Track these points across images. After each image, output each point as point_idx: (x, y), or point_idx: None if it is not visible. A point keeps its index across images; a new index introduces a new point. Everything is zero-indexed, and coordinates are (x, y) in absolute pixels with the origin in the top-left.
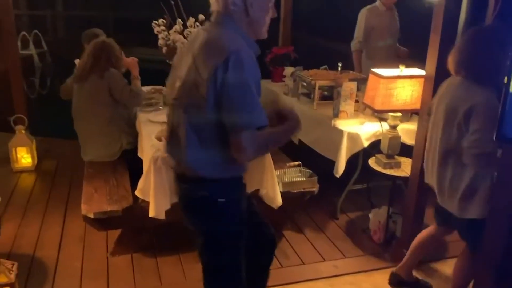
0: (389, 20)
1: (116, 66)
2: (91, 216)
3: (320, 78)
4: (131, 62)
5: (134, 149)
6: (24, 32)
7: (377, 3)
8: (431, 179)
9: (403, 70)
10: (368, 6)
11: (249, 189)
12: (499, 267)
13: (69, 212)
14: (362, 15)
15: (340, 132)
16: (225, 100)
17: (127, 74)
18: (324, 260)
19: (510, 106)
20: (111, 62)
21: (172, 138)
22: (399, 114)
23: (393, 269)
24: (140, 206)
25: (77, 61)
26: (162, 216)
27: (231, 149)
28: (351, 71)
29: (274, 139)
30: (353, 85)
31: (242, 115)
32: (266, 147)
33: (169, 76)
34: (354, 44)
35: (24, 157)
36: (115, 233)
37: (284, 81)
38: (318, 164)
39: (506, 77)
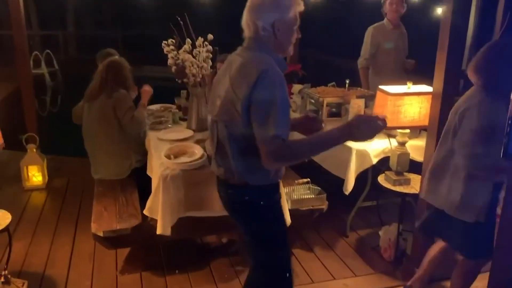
0: (396, 37)
1: (125, 86)
2: (101, 234)
3: (328, 95)
4: (143, 90)
5: (143, 167)
6: (36, 52)
7: (384, 21)
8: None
9: (410, 87)
10: (375, 24)
11: None
12: None
13: (79, 230)
14: (369, 33)
15: (349, 149)
16: (254, 114)
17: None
18: (334, 278)
19: None
20: (119, 82)
21: (218, 150)
22: (407, 130)
23: (407, 283)
24: (149, 225)
25: None
26: (168, 233)
27: (261, 154)
28: (359, 88)
29: (304, 149)
30: (361, 102)
31: (268, 128)
32: (294, 157)
33: (210, 96)
34: (360, 62)
35: (35, 176)
36: (124, 252)
37: (292, 98)
38: (327, 181)
39: None
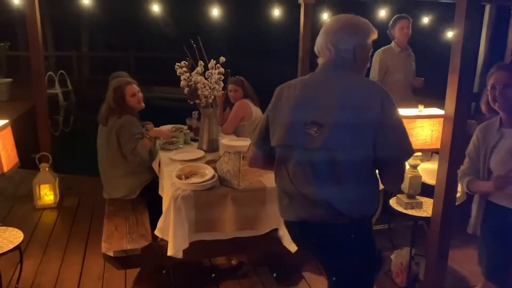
0: (403, 60)
1: (127, 106)
2: (111, 254)
3: None
4: (159, 130)
5: (154, 187)
6: (50, 72)
7: (392, 44)
8: None
9: (422, 110)
10: (383, 48)
11: (267, 229)
12: None
13: (89, 249)
14: (377, 56)
15: None
16: (390, 134)
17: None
18: None
19: None
20: (126, 107)
21: (317, 181)
22: (419, 153)
23: None
24: (159, 245)
25: None
26: (180, 255)
27: (383, 181)
28: None
29: None
30: None
31: (408, 145)
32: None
33: (288, 121)
34: None
35: (47, 194)
36: (133, 272)
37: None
38: None
39: None
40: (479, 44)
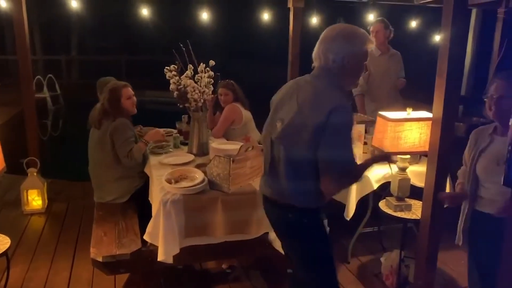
0: (385, 62)
1: (122, 109)
2: (100, 259)
3: None
4: (155, 132)
5: (144, 192)
6: (39, 76)
7: (373, 48)
8: None
9: (410, 113)
10: None
11: (258, 233)
12: None
13: (78, 255)
14: None
15: None
16: (330, 140)
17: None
18: None
19: None
20: (121, 110)
21: (271, 170)
22: (408, 156)
23: None
24: (148, 250)
25: None
26: (170, 261)
27: (320, 184)
28: (358, 114)
29: (356, 174)
30: (361, 128)
31: (346, 153)
32: (352, 180)
33: (269, 117)
34: (355, 89)
35: (35, 200)
36: (123, 278)
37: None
38: (328, 206)
39: (511, 120)
40: (466, 48)
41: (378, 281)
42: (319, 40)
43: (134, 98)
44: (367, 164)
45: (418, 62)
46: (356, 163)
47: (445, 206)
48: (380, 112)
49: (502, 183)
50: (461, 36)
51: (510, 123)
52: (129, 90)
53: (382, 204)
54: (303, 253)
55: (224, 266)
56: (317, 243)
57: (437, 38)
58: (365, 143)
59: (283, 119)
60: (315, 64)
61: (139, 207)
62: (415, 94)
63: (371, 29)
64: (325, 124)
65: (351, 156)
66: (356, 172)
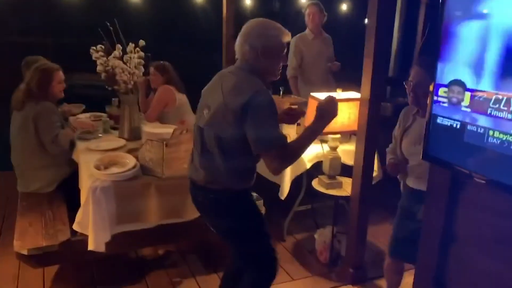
0: (318, 46)
1: (50, 93)
2: (25, 252)
3: None
4: (83, 121)
5: (73, 180)
6: None
7: (306, 31)
8: None
9: (340, 94)
10: (298, 34)
11: (194, 216)
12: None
13: (1, 250)
14: (292, 43)
15: None
16: (252, 127)
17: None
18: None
19: (433, 126)
20: (47, 92)
21: (203, 155)
22: (338, 136)
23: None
24: (78, 240)
25: None
26: (102, 249)
27: (266, 165)
28: (292, 95)
29: (300, 146)
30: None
31: (273, 131)
32: (296, 154)
33: (199, 105)
34: (288, 71)
35: None
36: (52, 270)
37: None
38: (264, 187)
39: (428, 99)
40: (393, 30)
41: (312, 257)
42: (239, 33)
43: (64, 84)
44: (309, 132)
45: (349, 45)
46: (284, 137)
47: (376, 180)
48: (312, 94)
49: (421, 158)
50: (387, 19)
51: (427, 102)
52: (61, 74)
53: (315, 183)
54: (238, 232)
55: (160, 251)
56: (251, 221)
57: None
58: (298, 124)
59: (209, 106)
60: (237, 56)
61: (68, 196)
62: (347, 77)
63: (306, 12)
64: (247, 105)
65: (276, 132)
66: (296, 145)
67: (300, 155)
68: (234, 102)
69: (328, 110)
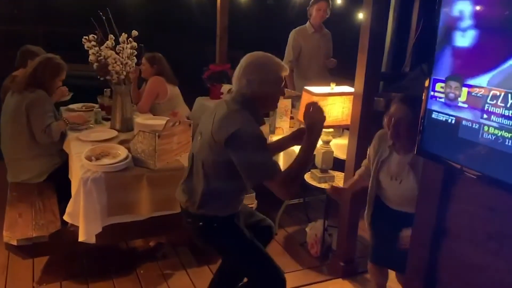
0: (317, 41)
1: (47, 87)
2: (14, 243)
3: None
4: (78, 114)
5: (63, 170)
6: None
7: (306, 24)
8: None
9: (334, 88)
10: (297, 28)
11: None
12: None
13: None
14: (291, 36)
15: None
16: (240, 162)
17: None
18: None
19: (428, 121)
20: (45, 83)
21: (187, 179)
22: (331, 130)
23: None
24: (69, 231)
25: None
26: (92, 241)
27: (275, 193)
28: (285, 89)
29: (299, 166)
30: (288, 103)
31: (260, 169)
32: (297, 176)
33: (196, 130)
34: (284, 64)
35: None
36: (42, 261)
37: (222, 98)
38: None
39: (424, 94)
40: (387, 25)
41: (303, 250)
42: (238, 65)
43: (61, 84)
44: (303, 155)
45: (346, 39)
46: (276, 164)
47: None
48: (306, 87)
49: (415, 152)
50: (381, 14)
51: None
52: (64, 75)
53: (307, 176)
54: (226, 254)
55: (151, 243)
56: (234, 240)
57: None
58: (291, 118)
59: (201, 133)
60: (233, 87)
61: (59, 187)
62: (343, 72)
63: (315, 7)
64: (230, 140)
65: (268, 161)
66: (296, 166)
67: (304, 173)
68: (219, 134)
69: (314, 117)
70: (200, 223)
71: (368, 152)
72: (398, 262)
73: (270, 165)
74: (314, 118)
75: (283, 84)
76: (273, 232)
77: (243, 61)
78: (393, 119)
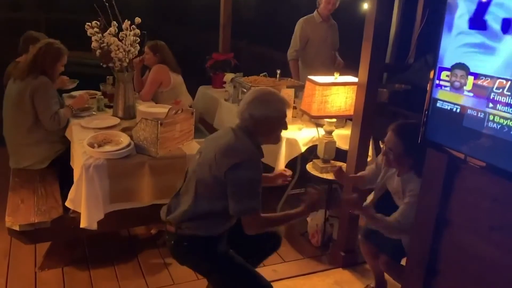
0: (325, 31)
1: (49, 73)
2: (17, 228)
3: (259, 84)
4: (80, 96)
5: (65, 157)
6: None
7: (314, 13)
8: None
9: (337, 78)
10: (305, 17)
11: None
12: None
13: None
14: (299, 25)
15: None
16: (230, 189)
17: None
18: (264, 265)
19: (433, 110)
20: (48, 69)
21: (178, 194)
22: (334, 120)
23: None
24: (71, 217)
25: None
26: (94, 227)
27: (242, 225)
28: (289, 78)
29: (281, 221)
30: (291, 92)
31: (242, 205)
32: (269, 225)
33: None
34: (290, 53)
35: None
36: (44, 246)
37: (224, 87)
38: None
39: (429, 84)
40: (392, 15)
41: (304, 240)
42: (243, 99)
43: (63, 68)
44: (289, 217)
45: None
46: (258, 208)
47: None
48: (309, 77)
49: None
50: (386, 4)
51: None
52: (66, 59)
53: (309, 166)
54: (210, 271)
55: (153, 231)
56: (216, 259)
57: (366, 6)
58: (294, 107)
59: (201, 153)
60: (238, 119)
61: (61, 173)
62: (347, 62)
63: None
64: (230, 171)
65: (253, 201)
66: (277, 218)
67: (277, 227)
68: (221, 161)
69: (315, 204)
70: (172, 242)
71: (376, 160)
72: (385, 243)
73: (254, 205)
74: (315, 207)
75: (285, 118)
76: (280, 242)
77: (248, 95)
78: (385, 148)
